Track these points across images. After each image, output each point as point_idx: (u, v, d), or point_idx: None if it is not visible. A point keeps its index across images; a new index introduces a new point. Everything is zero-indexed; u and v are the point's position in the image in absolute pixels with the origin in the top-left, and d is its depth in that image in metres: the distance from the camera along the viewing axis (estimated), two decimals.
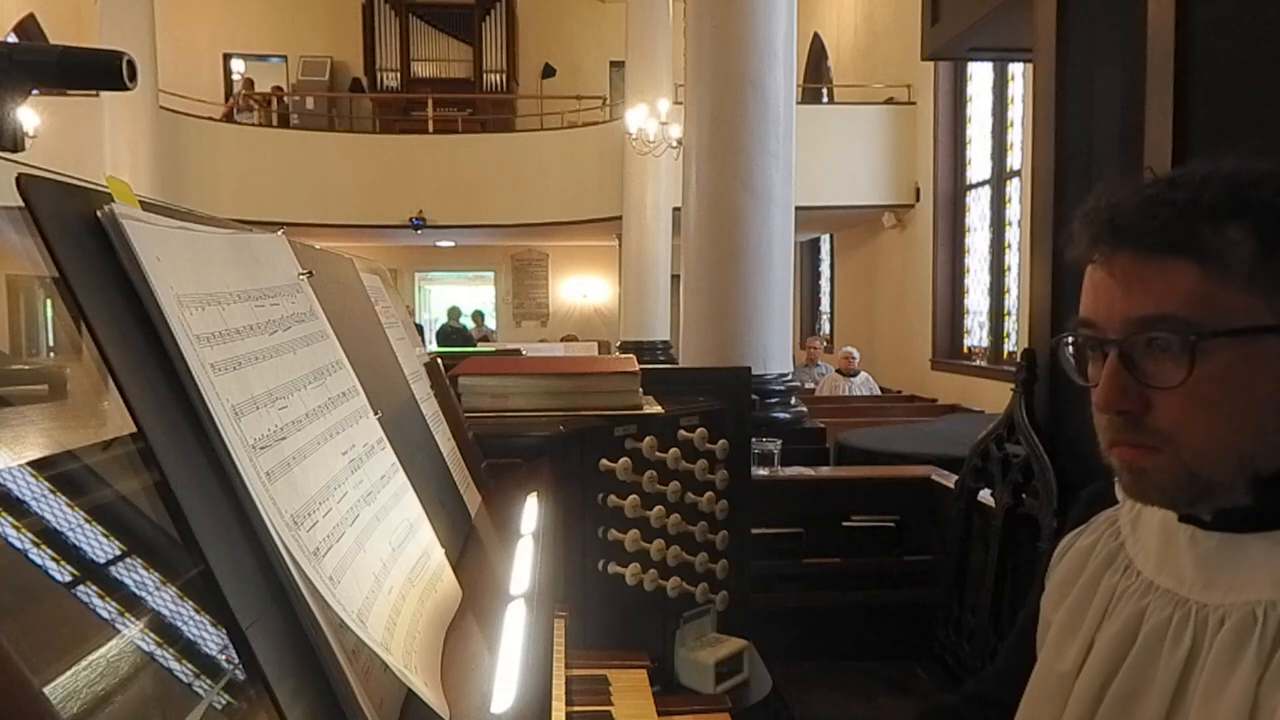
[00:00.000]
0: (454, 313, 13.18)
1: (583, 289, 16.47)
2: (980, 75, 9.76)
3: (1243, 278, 0.74)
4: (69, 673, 0.45)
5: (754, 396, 3.56)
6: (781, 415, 4.85)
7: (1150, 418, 0.78)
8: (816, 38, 13.79)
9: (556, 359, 3.30)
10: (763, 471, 3.02)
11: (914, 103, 10.75)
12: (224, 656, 0.55)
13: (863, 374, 8.96)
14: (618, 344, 11.49)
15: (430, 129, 13.59)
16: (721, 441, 1.99)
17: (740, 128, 4.71)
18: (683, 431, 1.92)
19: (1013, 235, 8.99)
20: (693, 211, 4.93)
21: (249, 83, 14.53)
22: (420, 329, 9.30)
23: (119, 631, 0.50)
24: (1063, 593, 0.94)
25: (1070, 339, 0.85)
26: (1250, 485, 0.76)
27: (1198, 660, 0.78)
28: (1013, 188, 9.01)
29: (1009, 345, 9.04)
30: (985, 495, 2.63)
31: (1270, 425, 0.75)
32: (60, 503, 0.52)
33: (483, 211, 12.25)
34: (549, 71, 16.17)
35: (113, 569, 0.53)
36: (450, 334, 12.21)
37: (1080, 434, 2.32)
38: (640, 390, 1.95)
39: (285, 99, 14.58)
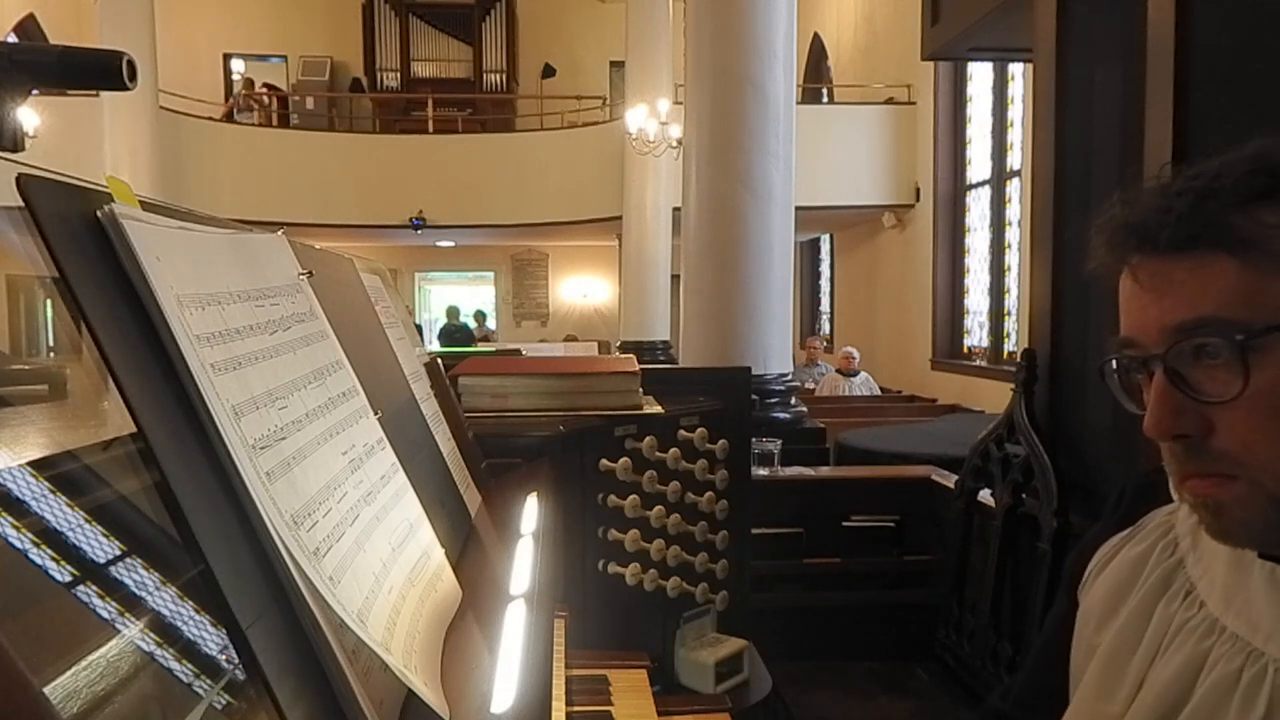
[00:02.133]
0: (452, 312, 13.23)
1: (583, 289, 16.47)
2: (980, 75, 9.76)
3: None
4: (69, 673, 0.45)
5: (754, 396, 3.56)
6: (781, 415, 4.85)
7: (1215, 441, 0.66)
8: (816, 38, 13.79)
9: (556, 359, 3.30)
10: (763, 471, 3.01)
11: (914, 103, 10.75)
12: (224, 656, 0.55)
13: (863, 374, 8.97)
14: (618, 344, 11.49)
15: (430, 129, 13.60)
16: (721, 441, 1.99)
17: (740, 128, 4.70)
18: (683, 431, 1.92)
19: (1013, 235, 8.99)
20: (693, 211, 4.93)
21: (249, 82, 14.53)
22: (420, 329, 9.32)
23: (119, 631, 0.50)
24: (1108, 611, 0.80)
25: (1115, 362, 0.73)
26: None
27: None
28: (1013, 188, 9.02)
29: (1009, 345, 9.04)
30: (985, 495, 2.63)
31: None
32: (60, 503, 0.52)
33: (483, 211, 12.25)
34: (549, 71, 16.16)
35: (113, 569, 0.53)
36: (454, 331, 12.31)
37: (1080, 434, 2.32)
38: (640, 390, 1.95)
39: (282, 97, 14.56)
